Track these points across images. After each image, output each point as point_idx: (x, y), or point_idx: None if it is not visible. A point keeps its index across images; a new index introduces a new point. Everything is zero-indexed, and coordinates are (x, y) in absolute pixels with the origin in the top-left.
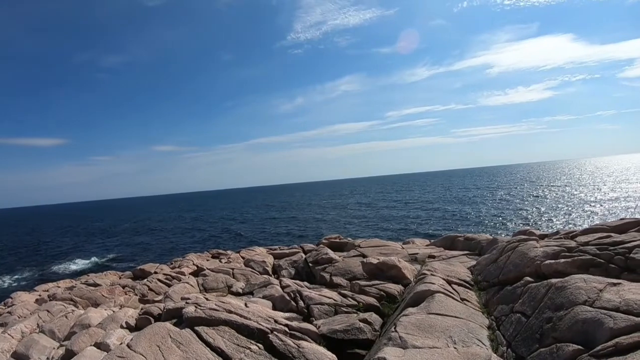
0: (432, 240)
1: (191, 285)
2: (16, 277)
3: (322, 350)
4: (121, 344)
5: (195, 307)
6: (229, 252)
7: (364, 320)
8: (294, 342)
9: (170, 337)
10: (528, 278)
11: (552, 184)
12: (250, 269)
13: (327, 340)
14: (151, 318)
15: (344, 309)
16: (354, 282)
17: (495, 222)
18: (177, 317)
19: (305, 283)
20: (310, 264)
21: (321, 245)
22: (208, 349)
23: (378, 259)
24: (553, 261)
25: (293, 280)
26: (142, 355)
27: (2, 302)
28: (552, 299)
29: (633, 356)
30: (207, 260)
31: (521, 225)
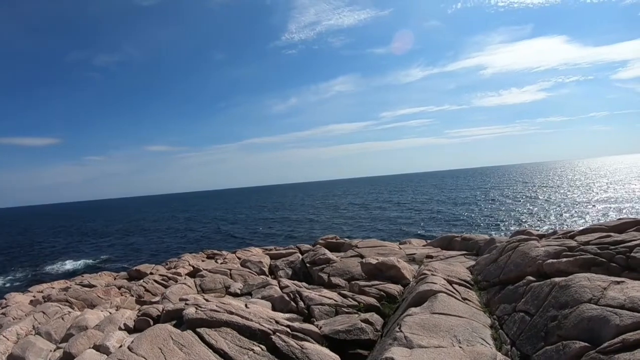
0: (429, 241)
1: (188, 286)
2: (9, 277)
3: (325, 351)
4: (121, 346)
5: (196, 308)
6: (224, 252)
7: (366, 321)
8: (297, 343)
9: (172, 339)
10: (530, 277)
11: (545, 184)
12: (247, 270)
13: (329, 341)
14: (150, 320)
15: (345, 310)
16: (353, 282)
17: (489, 222)
18: (177, 319)
19: (304, 284)
20: (308, 265)
21: (318, 246)
22: (211, 350)
23: (377, 259)
24: (555, 260)
25: (292, 281)
26: (144, 358)
27: None
28: (557, 297)
29: None
30: (203, 260)
31: (514, 225)
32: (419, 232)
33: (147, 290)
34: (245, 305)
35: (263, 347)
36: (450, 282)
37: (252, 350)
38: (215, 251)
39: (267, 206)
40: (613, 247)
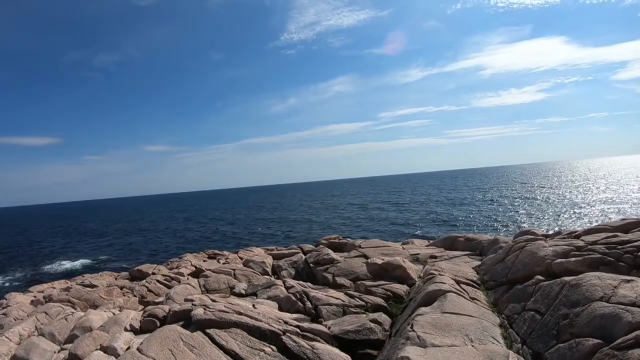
0: (432, 241)
1: (192, 287)
2: (8, 277)
3: (336, 351)
4: (129, 347)
5: (204, 309)
6: (225, 252)
7: (374, 321)
8: (308, 344)
9: (182, 340)
10: (539, 277)
11: (544, 185)
12: (251, 270)
13: (338, 341)
14: (157, 320)
15: (353, 310)
16: (359, 282)
17: (488, 223)
18: (185, 320)
19: (308, 284)
20: (311, 265)
21: (321, 246)
22: (221, 351)
23: (382, 259)
24: (564, 260)
25: (297, 281)
26: None
27: None
28: (567, 296)
29: None
30: (204, 260)
31: (512, 226)
32: (417, 232)
33: (150, 291)
34: (253, 306)
35: (274, 347)
36: (458, 282)
37: (263, 350)
38: (217, 251)
39: (265, 206)
40: (620, 246)
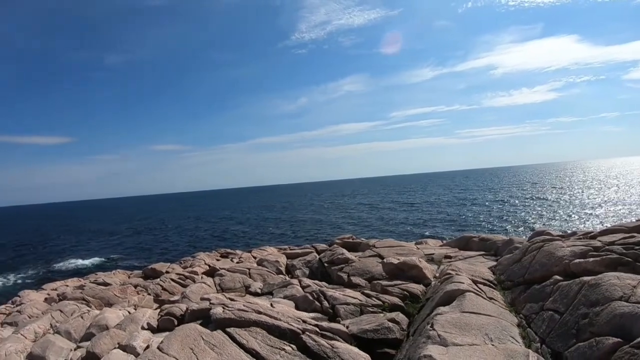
0: (446, 241)
1: (208, 285)
2: (21, 275)
3: (355, 350)
4: (147, 346)
5: (223, 308)
6: (237, 251)
7: (392, 320)
8: (327, 342)
9: (203, 339)
10: (557, 277)
11: (555, 185)
12: (266, 269)
13: (357, 340)
14: (174, 319)
15: (370, 309)
16: (375, 282)
17: (498, 223)
18: (203, 318)
19: (324, 283)
20: (326, 264)
21: (335, 245)
22: (242, 350)
23: (398, 259)
24: (582, 260)
25: (312, 280)
26: (175, 358)
27: (10, 301)
28: (587, 295)
29: None
30: (217, 260)
31: (523, 226)
32: (427, 233)
33: (164, 289)
34: (271, 305)
35: (293, 346)
36: (475, 282)
37: (284, 349)
38: (229, 250)
39: (275, 206)
40: (638, 247)
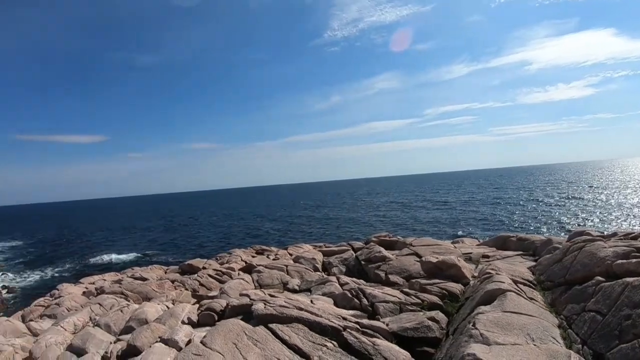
0: (483, 240)
1: (246, 282)
2: (58, 269)
3: (396, 348)
4: (189, 340)
5: (265, 304)
6: (273, 248)
7: (432, 319)
8: (369, 340)
9: (246, 334)
10: (599, 277)
11: (592, 184)
12: (303, 266)
13: (397, 338)
14: (214, 314)
15: (409, 307)
16: (413, 280)
17: (532, 223)
18: (243, 314)
19: (362, 281)
20: (363, 262)
21: (372, 243)
22: (285, 346)
23: (437, 258)
24: (625, 261)
25: (350, 278)
26: (220, 353)
27: (48, 294)
28: (630, 297)
29: None
30: (253, 256)
31: (558, 226)
32: (460, 232)
33: (201, 285)
34: (311, 301)
35: (335, 343)
36: (515, 282)
37: (325, 346)
38: (264, 247)
39: (308, 204)
40: None
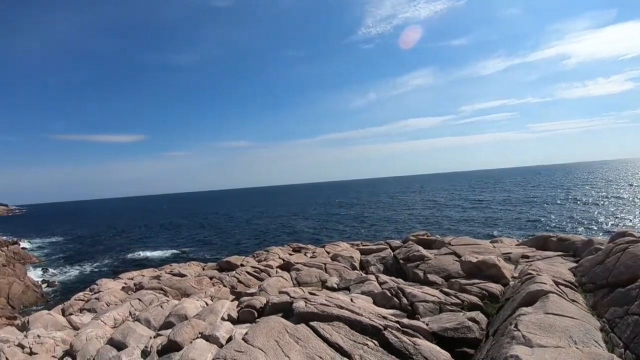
0: (522, 240)
1: (284, 279)
2: (97, 264)
3: (437, 348)
4: (230, 337)
5: (305, 302)
6: (310, 246)
7: (472, 319)
8: (409, 339)
9: (287, 332)
10: None
11: (633, 183)
12: (341, 265)
13: (437, 338)
14: (254, 311)
15: (449, 307)
16: (452, 280)
17: (570, 223)
18: (283, 312)
19: (400, 280)
20: (401, 261)
21: (410, 242)
22: (326, 344)
23: (477, 258)
24: None
25: (389, 277)
26: (262, 350)
27: (88, 288)
28: None
29: None
30: (291, 254)
31: (596, 226)
32: (495, 232)
33: (240, 282)
34: (351, 300)
35: (376, 342)
36: (557, 283)
37: (366, 345)
38: (302, 245)
39: (343, 202)
40: None
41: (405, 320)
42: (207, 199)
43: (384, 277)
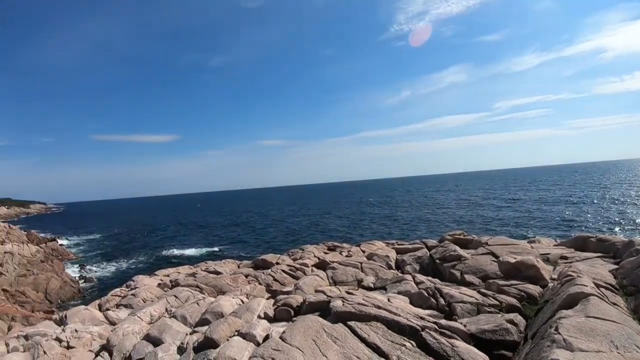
0: (560, 240)
1: (320, 278)
2: (132, 261)
3: (475, 350)
4: (267, 335)
5: (343, 301)
6: (345, 245)
7: (511, 321)
8: (447, 341)
9: (325, 331)
10: None
11: None
12: (377, 264)
13: (475, 340)
14: (291, 310)
15: (487, 309)
16: (490, 281)
17: (605, 224)
18: (320, 311)
19: (437, 280)
20: (437, 261)
21: (446, 242)
22: (363, 344)
23: (515, 258)
24: None
25: (426, 277)
26: (299, 349)
27: (124, 285)
28: None
29: None
30: (326, 253)
31: (632, 227)
32: (530, 233)
33: (275, 280)
34: (388, 300)
35: (413, 343)
36: (597, 285)
37: (404, 345)
38: (336, 243)
39: (376, 200)
40: None
41: (443, 321)
42: (240, 198)
43: (420, 277)
